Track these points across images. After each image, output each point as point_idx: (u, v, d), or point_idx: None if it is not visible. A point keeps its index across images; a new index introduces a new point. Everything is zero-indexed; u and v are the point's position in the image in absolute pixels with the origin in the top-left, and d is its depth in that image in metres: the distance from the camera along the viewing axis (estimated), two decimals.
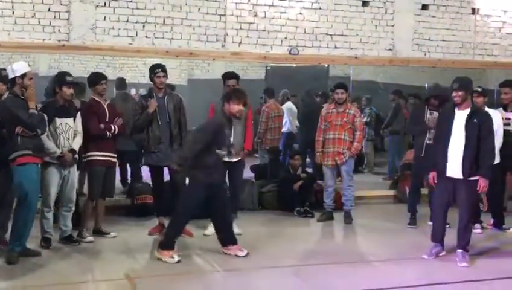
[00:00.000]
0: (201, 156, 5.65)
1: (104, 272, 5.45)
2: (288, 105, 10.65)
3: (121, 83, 9.20)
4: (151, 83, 6.77)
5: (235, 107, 5.84)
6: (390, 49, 8.78)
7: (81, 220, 6.47)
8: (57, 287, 5.01)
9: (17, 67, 5.54)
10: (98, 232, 6.59)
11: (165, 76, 6.69)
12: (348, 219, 7.66)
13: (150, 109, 6.55)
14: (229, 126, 6.10)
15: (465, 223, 5.89)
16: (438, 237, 6.06)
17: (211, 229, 6.83)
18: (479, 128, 5.75)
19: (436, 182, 6.00)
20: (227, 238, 5.98)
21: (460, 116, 5.85)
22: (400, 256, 6.14)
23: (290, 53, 8.32)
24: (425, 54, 8.94)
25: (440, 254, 6.04)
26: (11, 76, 5.54)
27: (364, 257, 6.19)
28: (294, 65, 9.96)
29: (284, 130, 10.21)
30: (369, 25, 8.65)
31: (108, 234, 6.61)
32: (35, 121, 5.46)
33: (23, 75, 5.50)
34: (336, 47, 8.53)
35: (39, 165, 5.62)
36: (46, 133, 5.88)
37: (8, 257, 5.47)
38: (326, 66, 10.91)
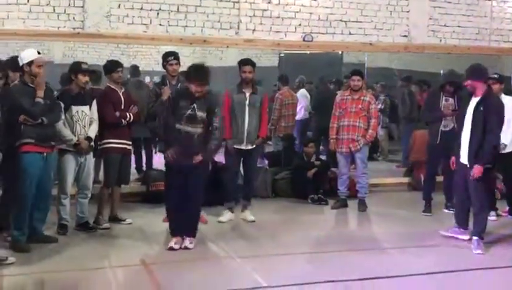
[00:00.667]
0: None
1: (120, 258, 5.51)
2: (303, 92, 10.63)
3: (135, 70, 9.25)
4: (165, 70, 6.79)
5: (191, 87, 5.61)
6: (405, 36, 8.73)
7: (98, 207, 6.54)
8: (74, 273, 5.07)
9: (25, 55, 5.52)
10: (114, 219, 6.66)
11: (178, 64, 6.71)
12: (362, 207, 7.66)
13: (164, 96, 6.58)
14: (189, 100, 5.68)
15: (477, 210, 5.89)
16: (460, 221, 6.08)
17: (226, 216, 6.90)
18: (484, 115, 5.73)
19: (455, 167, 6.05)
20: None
21: (472, 104, 5.86)
22: (414, 243, 6.14)
23: (304, 40, 8.31)
24: (440, 40, 8.88)
25: (459, 237, 6.04)
26: (20, 64, 5.52)
27: (378, 245, 6.20)
28: (308, 52, 9.92)
29: (298, 117, 10.19)
30: (384, 11, 8.59)
31: (124, 220, 6.68)
32: (39, 109, 5.40)
33: (30, 63, 5.47)
34: (350, 33, 8.49)
35: (45, 154, 5.56)
36: (62, 121, 5.93)
37: (14, 247, 5.50)
38: (340, 53, 10.86)
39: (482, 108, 5.75)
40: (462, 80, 6.01)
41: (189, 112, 5.59)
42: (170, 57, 6.69)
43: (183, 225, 5.78)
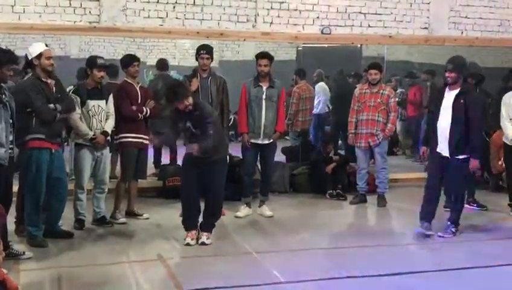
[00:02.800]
0: None
1: (137, 253, 5.54)
2: (322, 85, 10.58)
3: (162, 64, 9.26)
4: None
5: (179, 106, 5.57)
6: (425, 28, 8.64)
7: (114, 202, 6.58)
8: (91, 268, 5.11)
9: (32, 49, 5.52)
10: (130, 214, 6.70)
11: (209, 58, 6.74)
12: (382, 202, 7.61)
13: (192, 88, 6.62)
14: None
15: (456, 200, 6.16)
16: (427, 217, 6.12)
17: (243, 211, 6.90)
18: (465, 108, 5.88)
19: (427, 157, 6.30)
20: None
21: (449, 96, 5.98)
22: (435, 239, 6.08)
23: (322, 33, 8.26)
24: (462, 33, 8.78)
25: (428, 233, 6.08)
26: (29, 58, 5.51)
27: (398, 240, 6.17)
28: (326, 45, 9.87)
29: (315, 111, 10.15)
30: (404, 2, 8.51)
31: (141, 215, 6.72)
32: (51, 115, 5.44)
33: (39, 56, 5.47)
34: (369, 26, 8.43)
35: (53, 151, 5.57)
36: (79, 115, 5.98)
37: (31, 242, 5.55)
38: (359, 45, 10.80)
39: (462, 101, 5.90)
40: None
41: (187, 132, 5.67)
42: (202, 51, 6.74)
43: (203, 221, 5.81)
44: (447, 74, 5.99)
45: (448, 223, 6.16)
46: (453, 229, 6.11)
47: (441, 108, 6.02)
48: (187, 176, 5.76)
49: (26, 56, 5.61)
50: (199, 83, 6.69)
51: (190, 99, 5.57)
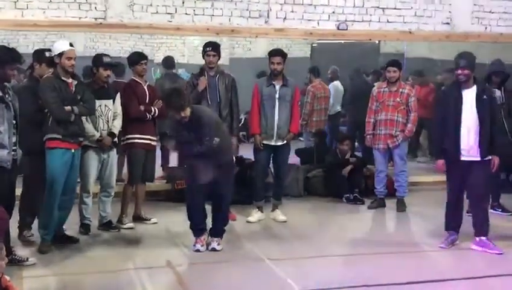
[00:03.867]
0: None
1: (144, 259, 5.56)
2: (336, 84, 10.57)
3: (169, 62, 9.28)
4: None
5: (177, 116, 5.60)
6: (447, 23, 8.59)
7: (121, 206, 6.61)
8: (96, 275, 5.14)
9: (56, 46, 5.66)
10: (138, 219, 6.74)
11: (216, 55, 6.77)
12: (401, 207, 7.59)
13: (200, 87, 6.63)
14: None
15: (485, 206, 5.98)
16: (453, 225, 6.02)
17: (255, 216, 6.91)
18: (490, 105, 5.79)
19: (445, 169, 5.98)
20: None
21: (469, 96, 5.79)
22: (457, 246, 6.05)
23: (338, 28, 8.24)
24: (485, 28, 8.72)
25: (456, 243, 5.99)
26: (53, 55, 5.65)
27: (418, 247, 6.15)
28: (343, 42, 9.89)
29: (330, 111, 10.15)
30: None
31: (149, 220, 6.75)
32: (65, 115, 5.54)
33: (60, 54, 5.58)
34: (388, 21, 8.39)
35: (73, 151, 5.65)
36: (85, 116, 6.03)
37: (39, 246, 5.62)
38: (377, 42, 10.80)
39: (485, 97, 5.78)
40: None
41: (184, 138, 5.67)
42: (208, 48, 6.77)
43: (212, 226, 5.85)
44: (459, 71, 5.77)
45: (483, 238, 5.88)
46: (486, 240, 5.89)
47: (462, 110, 5.80)
48: (195, 182, 5.76)
49: (35, 53, 5.77)
50: (207, 81, 6.71)
51: (187, 111, 5.55)
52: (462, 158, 5.82)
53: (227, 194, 5.86)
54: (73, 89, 5.70)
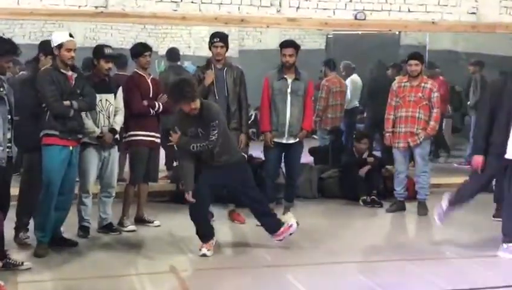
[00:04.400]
0: None
1: (147, 264, 5.59)
2: (354, 78, 10.55)
3: (173, 54, 9.31)
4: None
5: (185, 109, 5.67)
6: (473, 13, 8.57)
7: (122, 207, 6.63)
8: (96, 280, 5.15)
9: (55, 37, 5.67)
10: (140, 221, 6.76)
11: (224, 46, 6.78)
12: (422, 210, 7.57)
13: (207, 81, 6.65)
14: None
15: None
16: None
17: None
18: None
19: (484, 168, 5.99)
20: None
21: None
22: (482, 253, 6.03)
23: (355, 18, 8.23)
24: None
25: None
26: (52, 46, 5.68)
27: (440, 254, 6.13)
28: (360, 32, 9.87)
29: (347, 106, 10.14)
30: None
31: (152, 222, 6.78)
32: (63, 109, 5.56)
33: (60, 46, 5.60)
34: (409, 11, 8.38)
35: (71, 148, 5.67)
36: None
37: (35, 249, 5.65)
38: (398, 33, 10.77)
39: None
40: None
41: (191, 134, 5.72)
42: (215, 38, 6.78)
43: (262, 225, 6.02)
44: None
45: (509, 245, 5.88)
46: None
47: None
48: (201, 186, 5.79)
49: (41, 43, 5.87)
50: (214, 75, 6.72)
51: (197, 103, 5.61)
52: (508, 156, 5.82)
53: (254, 189, 5.97)
54: (73, 82, 5.71)
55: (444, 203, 6.27)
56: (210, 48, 6.84)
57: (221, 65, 6.80)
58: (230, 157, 5.83)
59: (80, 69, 6.01)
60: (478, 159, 6.03)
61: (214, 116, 5.68)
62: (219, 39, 6.78)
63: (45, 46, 5.97)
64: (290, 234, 5.96)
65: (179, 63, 9.51)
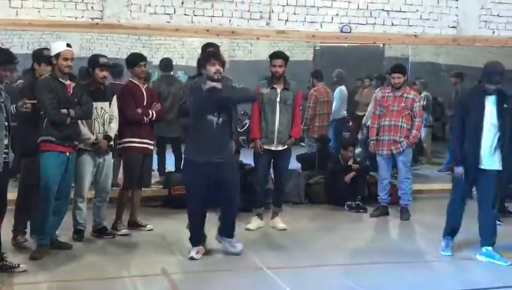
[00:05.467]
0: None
1: (140, 267, 5.56)
2: (342, 88, 10.57)
3: (167, 64, 9.29)
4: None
5: (211, 70, 5.64)
6: (454, 27, 8.60)
7: (116, 212, 6.60)
8: (90, 282, 5.13)
9: (53, 47, 5.70)
10: (133, 225, 6.73)
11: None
12: (405, 215, 7.59)
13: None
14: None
15: (492, 206, 5.95)
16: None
17: (254, 223, 6.90)
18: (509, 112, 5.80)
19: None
20: None
21: (490, 103, 5.82)
22: (463, 256, 6.06)
23: (341, 31, 8.24)
24: (493, 32, 8.72)
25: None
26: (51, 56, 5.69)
27: (422, 257, 6.14)
28: (346, 45, 9.89)
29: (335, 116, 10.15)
30: None
31: (145, 226, 6.74)
32: (59, 118, 5.55)
33: (57, 55, 5.61)
34: (392, 24, 8.40)
35: (67, 154, 5.66)
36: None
37: (32, 252, 5.62)
38: (382, 45, 10.80)
39: (506, 106, 5.80)
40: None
41: (213, 98, 5.62)
42: (210, 48, 6.74)
43: (222, 227, 5.90)
44: (499, 81, 5.77)
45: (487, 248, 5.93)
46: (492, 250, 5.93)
47: (484, 117, 5.80)
48: (195, 188, 5.75)
49: (34, 53, 5.87)
50: None
51: (222, 68, 5.66)
52: (483, 166, 5.83)
53: (235, 194, 5.87)
54: (71, 91, 5.72)
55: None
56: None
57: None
58: (224, 155, 5.74)
59: (77, 78, 6.00)
60: (458, 171, 5.96)
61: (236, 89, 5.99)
62: (213, 49, 6.77)
63: (38, 56, 5.97)
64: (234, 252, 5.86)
65: (172, 73, 9.49)
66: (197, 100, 5.76)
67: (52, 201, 5.60)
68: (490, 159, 5.82)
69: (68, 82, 5.71)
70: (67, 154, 5.67)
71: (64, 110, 5.59)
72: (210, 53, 5.85)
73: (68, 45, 5.70)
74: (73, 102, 5.70)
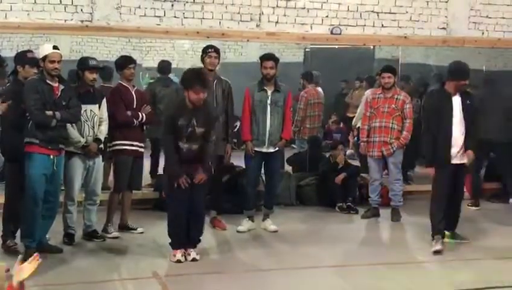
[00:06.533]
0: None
1: (130, 270, 5.54)
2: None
3: (164, 67, 9.26)
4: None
5: (192, 96, 5.59)
6: (443, 28, 8.65)
7: (107, 215, 6.58)
8: (80, 286, 5.11)
9: (41, 50, 5.67)
10: (124, 228, 6.71)
11: (217, 58, 6.81)
12: (396, 216, 7.60)
13: None
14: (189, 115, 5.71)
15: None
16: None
17: (245, 225, 6.90)
18: (472, 109, 6.26)
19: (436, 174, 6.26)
20: None
21: (457, 101, 6.18)
22: (455, 256, 6.08)
23: (331, 33, 8.28)
24: (482, 33, 8.78)
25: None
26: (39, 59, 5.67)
27: (413, 258, 6.16)
28: (336, 46, 9.89)
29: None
30: (420, 1, 8.53)
31: (135, 229, 6.72)
32: (44, 119, 5.51)
33: (44, 58, 5.59)
34: (382, 26, 8.44)
35: (51, 157, 5.61)
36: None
37: (23, 255, 5.56)
38: (372, 47, 10.80)
39: (469, 102, 6.21)
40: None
41: (189, 130, 5.63)
42: (210, 49, 6.78)
43: (189, 236, 5.81)
44: (466, 82, 6.19)
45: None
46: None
47: (453, 115, 6.14)
48: (178, 192, 5.69)
49: (16, 55, 5.83)
50: None
51: (205, 94, 5.67)
52: (454, 161, 6.18)
53: (202, 202, 5.85)
54: (59, 93, 5.68)
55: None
56: (202, 59, 6.81)
57: (211, 77, 6.77)
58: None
59: (67, 81, 5.97)
60: (430, 171, 6.32)
61: (215, 113, 5.92)
62: (214, 50, 6.80)
63: (19, 58, 5.93)
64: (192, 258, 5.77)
65: (169, 75, 9.46)
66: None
67: (38, 204, 5.55)
68: (461, 155, 6.20)
69: (56, 84, 5.67)
70: (51, 157, 5.62)
71: (49, 112, 5.54)
72: (198, 78, 5.67)
73: (55, 47, 5.67)
74: (60, 104, 5.66)
